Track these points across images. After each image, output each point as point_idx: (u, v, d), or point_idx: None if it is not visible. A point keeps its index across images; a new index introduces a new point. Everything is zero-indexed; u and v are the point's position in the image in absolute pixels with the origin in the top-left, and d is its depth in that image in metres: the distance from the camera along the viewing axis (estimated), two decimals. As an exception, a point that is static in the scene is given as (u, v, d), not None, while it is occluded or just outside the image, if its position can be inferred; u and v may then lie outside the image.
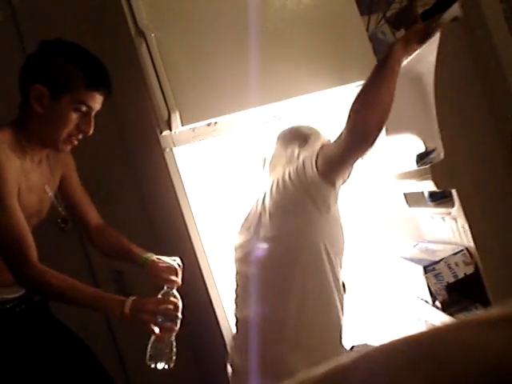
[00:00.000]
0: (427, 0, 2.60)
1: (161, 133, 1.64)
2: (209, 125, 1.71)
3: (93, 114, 1.40)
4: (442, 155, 1.42)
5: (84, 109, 1.38)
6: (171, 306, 1.34)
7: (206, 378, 2.02)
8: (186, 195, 1.65)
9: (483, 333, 0.35)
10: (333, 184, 1.40)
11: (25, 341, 1.39)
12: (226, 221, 1.97)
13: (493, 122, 1.42)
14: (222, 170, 2.03)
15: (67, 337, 1.53)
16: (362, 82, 1.82)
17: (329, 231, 1.44)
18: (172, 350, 1.34)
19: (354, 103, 1.33)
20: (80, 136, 1.42)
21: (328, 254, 1.43)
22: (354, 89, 1.81)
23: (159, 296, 1.38)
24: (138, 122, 1.93)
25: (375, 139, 1.30)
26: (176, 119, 1.59)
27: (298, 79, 1.75)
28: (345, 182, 1.46)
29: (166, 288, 1.40)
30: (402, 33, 2.58)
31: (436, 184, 1.41)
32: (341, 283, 1.49)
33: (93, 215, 1.62)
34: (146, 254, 1.51)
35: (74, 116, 1.37)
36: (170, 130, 1.61)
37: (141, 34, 1.58)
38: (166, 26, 1.63)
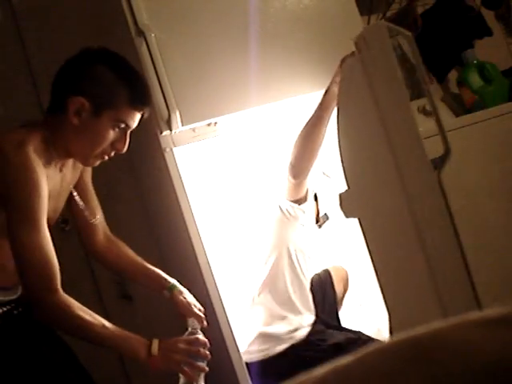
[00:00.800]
0: (427, 0, 2.60)
1: (161, 133, 1.64)
2: (209, 125, 1.71)
3: (129, 131, 1.34)
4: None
5: (123, 126, 1.31)
6: (202, 345, 1.29)
7: None
8: (186, 195, 1.65)
9: (482, 332, 0.35)
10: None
11: (22, 346, 1.32)
12: (226, 221, 1.97)
13: (391, 156, 1.45)
14: (222, 170, 2.03)
15: (58, 342, 1.44)
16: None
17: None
18: None
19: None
20: (112, 153, 1.35)
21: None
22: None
23: (186, 335, 1.32)
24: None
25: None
26: (176, 119, 1.59)
27: (298, 79, 1.75)
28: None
29: (191, 327, 1.35)
30: (402, 33, 2.59)
31: (344, 213, 1.51)
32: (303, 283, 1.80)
33: (101, 226, 1.55)
34: (171, 281, 1.46)
35: (112, 133, 1.31)
36: (170, 130, 1.61)
37: (141, 33, 1.58)
38: (166, 25, 1.63)
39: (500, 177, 2.02)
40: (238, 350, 1.63)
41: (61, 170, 1.37)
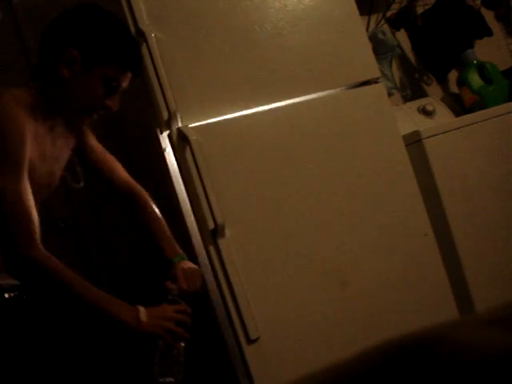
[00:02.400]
0: (427, 0, 2.60)
1: (161, 133, 1.64)
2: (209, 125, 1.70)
3: (119, 90, 1.34)
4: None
5: (113, 84, 1.31)
6: (187, 314, 1.30)
7: None
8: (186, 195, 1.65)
9: (483, 332, 0.35)
10: None
11: (28, 338, 1.30)
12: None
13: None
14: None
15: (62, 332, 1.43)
16: (361, 82, 1.84)
17: None
18: (182, 361, 1.29)
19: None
20: (101, 112, 1.35)
21: None
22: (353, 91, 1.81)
23: (167, 302, 1.32)
24: (138, 122, 1.93)
25: None
26: (176, 119, 1.59)
27: (298, 79, 1.75)
28: None
29: (171, 293, 1.34)
30: (402, 33, 2.59)
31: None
32: None
33: (120, 172, 1.52)
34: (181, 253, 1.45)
35: (101, 89, 1.30)
36: (170, 130, 1.61)
37: (141, 33, 1.58)
38: (166, 25, 1.63)
39: (500, 177, 2.03)
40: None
41: (51, 130, 1.34)
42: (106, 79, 1.30)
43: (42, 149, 1.29)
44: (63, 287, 1.19)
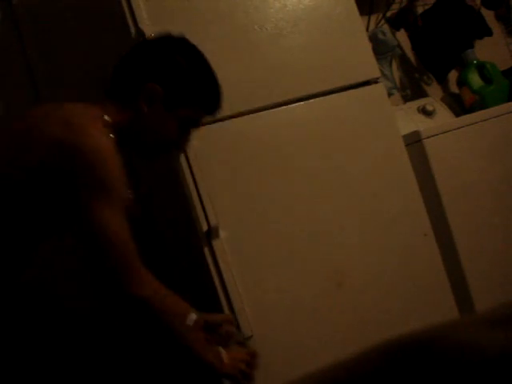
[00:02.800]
0: (427, 0, 2.61)
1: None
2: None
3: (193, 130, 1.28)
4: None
5: (190, 126, 1.26)
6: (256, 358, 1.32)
7: None
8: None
9: (483, 331, 0.35)
10: None
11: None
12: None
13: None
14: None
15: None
16: (361, 82, 1.84)
17: None
18: None
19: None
20: (171, 151, 1.30)
21: None
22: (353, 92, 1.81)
23: (234, 343, 1.35)
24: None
25: None
26: (176, 119, 1.59)
27: (298, 79, 1.75)
28: None
29: (237, 338, 1.37)
30: (402, 33, 2.60)
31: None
32: None
33: None
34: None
35: (177, 129, 1.24)
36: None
37: (141, 33, 1.58)
38: (166, 26, 1.63)
39: (500, 177, 2.03)
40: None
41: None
42: (185, 120, 1.25)
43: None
44: (166, 324, 1.15)
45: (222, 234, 1.59)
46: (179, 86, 1.22)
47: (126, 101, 1.22)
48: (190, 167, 1.58)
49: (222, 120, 1.66)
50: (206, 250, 1.58)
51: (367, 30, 2.39)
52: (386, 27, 2.50)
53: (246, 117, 1.68)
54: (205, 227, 1.56)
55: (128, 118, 1.21)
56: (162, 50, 1.26)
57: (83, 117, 1.13)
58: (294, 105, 1.75)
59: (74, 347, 1.34)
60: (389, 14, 2.56)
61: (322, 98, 1.78)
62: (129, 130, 1.21)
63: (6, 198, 1.09)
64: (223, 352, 1.24)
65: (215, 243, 1.58)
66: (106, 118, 1.18)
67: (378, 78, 1.85)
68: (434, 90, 2.64)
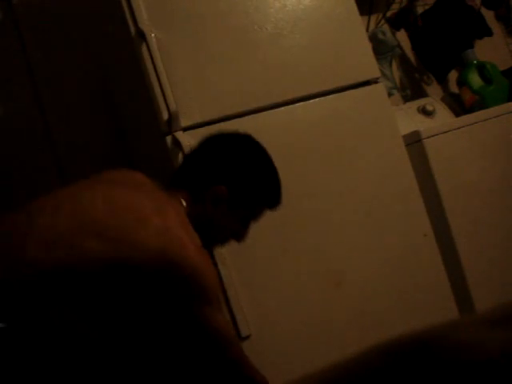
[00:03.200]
0: (427, 0, 2.61)
1: (161, 133, 1.63)
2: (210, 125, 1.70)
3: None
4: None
5: (251, 221, 1.30)
6: None
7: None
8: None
9: (483, 331, 0.35)
10: None
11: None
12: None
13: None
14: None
15: None
16: (361, 82, 1.83)
17: None
18: None
19: None
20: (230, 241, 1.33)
21: None
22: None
23: None
24: (138, 122, 1.93)
25: None
26: (176, 119, 1.59)
27: (298, 79, 1.75)
28: None
29: None
30: (402, 33, 2.60)
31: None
32: None
33: None
34: None
35: (240, 226, 1.29)
36: (170, 130, 1.61)
37: (141, 34, 1.58)
38: (166, 25, 1.63)
39: (500, 177, 2.03)
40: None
41: None
42: (247, 218, 1.29)
43: None
44: None
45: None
46: (244, 188, 1.27)
47: (194, 193, 1.25)
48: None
49: (221, 120, 1.66)
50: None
51: (367, 30, 2.39)
52: (386, 27, 2.50)
53: (245, 117, 1.69)
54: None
55: (195, 210, 1.24)
56: (230, 151, 1.30)
57: (174, 220, 1.12)
58: (293, 105, 1.75)
59: None
60: (389, 13, 2.56)
61: (322, 98, 1.78)
62: (194, 220, 1.22)
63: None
64: None
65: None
66: (184, 204, 1.22)
67: (378, 78, 1.85)
68: (434, 89, 2.64)
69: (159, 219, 1.08)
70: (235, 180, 1.26)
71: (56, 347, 1.02)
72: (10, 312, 1.00)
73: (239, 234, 1.31)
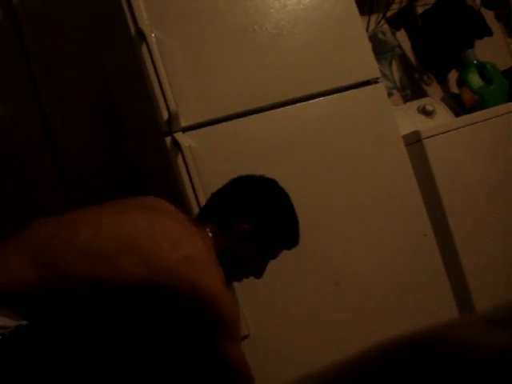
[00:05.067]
0: (427, 0, 2.61)
1: (161, 133, 1.64)
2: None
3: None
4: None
5: (270, 259, 1.38)
6: None
7: None
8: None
9: (483, 332, 0.35)
10: None
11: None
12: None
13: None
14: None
15: None
16: (361, 82, 1.84)
17: None
18: None
19: None
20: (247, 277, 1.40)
21: None
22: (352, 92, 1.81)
23: None
24: (138, 122, 1.93)
25: None
26: (176, 119, 1.59)
27: (298, 79, 1.75)
28: None
29: None
30: (402, 33, 2.60)
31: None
32: None
33: None
34: None
35: (262, 262, 1.37)
36: (170, 130, 1.61)
37: (141, 34, 1.58)
38: (166, 25, 1.63)
39: (500, 177, 2.03)
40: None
41: None
42: (268, 256, 1.37)
43: None
44: None
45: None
46: (268, 229, 1.35)
47: (220, 228, 1.33)
48: (187, 167, 1.58)
49: (221, 120, 1.66)
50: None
51: (367, 30, 2.39)
52: (386, 27, 2.50)
53: (245, 117, 1.69)
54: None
55: (220, 244, 1.31)
56: (256, 192, 1.39)
57: (204, 250, 1.21)
58: (293, 105, 1.75)
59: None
60: (389, 14, 2.56)
61: (322, 98, 1.78)
62: (219, 255, 1.29)
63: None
64: None
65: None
66: (210, 236, 1.30)
67: (378, 78, 1.85)
68: (434, 89, 2.64)
69: (191, 246, 1.18)
70: (260, 220, 1.34)
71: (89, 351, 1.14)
72: (47, 320, 1.10)
73: (258, 271, 1.38)
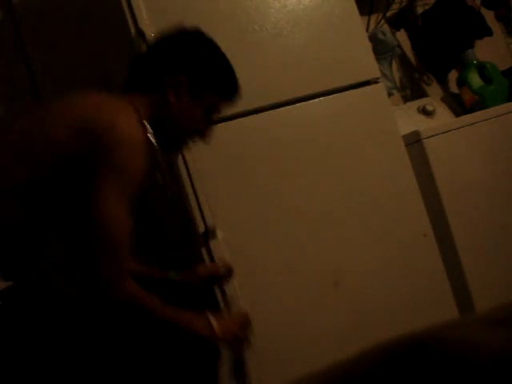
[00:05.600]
0: (427, 0, 2.61)
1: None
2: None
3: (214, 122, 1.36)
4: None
5: (213, 114, 1.34)
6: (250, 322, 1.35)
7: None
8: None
9: (483, 332, 0.35)
10: None
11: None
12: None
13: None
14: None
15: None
16: (361, 82, 1.84)
17: None
18: (247, 366, 1.37)
19: None
20: (196, 140, 1.35)
21: None
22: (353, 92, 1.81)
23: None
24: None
25: None
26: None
27: (298, 79, 1.75)
28: None
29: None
30: (402, 33, 2.59)
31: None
32: None
33: None
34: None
35: (203, 117, 1.32)
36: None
37: (141, 33, 1.58)
38: (166, 26, 1.63)
39: (500, 177, 2.02)
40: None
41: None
42: (209, 108, 1.32)
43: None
44: (148, 314, 1.20)
45: (220, 234, 1.59)
46: (201, 74, 1.30)
47: (152, 93, 1.27)
48: (187, 168, 1.58)
49: (220, 120, 1.66)
50: (204, 251, 1.59)
51: (367, 30, 2.39)
52: (386, 27, 2.50)
53: (245, 117, 1.69)
54: (202, 229, 1.57)
55: (156, 108, 1.26)
56: (182, 43, 1.33)
57: (117, 104, 1.19)
58: (293, 105, 1.75)
59: (74, 345, 1.32)
60: (389, 14, 2.56)
61: (322, 97, 1.78)
62: (158, 119, 1.26)
63: (30, 183, 1.13)
64: (212, 318, 1.24)
65: (212, 244, 1.58)
66: (138, 106, 1.23)
67: (378, 78, 1.85)
68: (434, 89, 2.64)
69: (108, 107, 1.17)
70: (192, 67, 1.29)
71: None
72: None
73: (201, 128, 1.33)
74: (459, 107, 2.46)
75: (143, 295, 1.17)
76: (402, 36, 2.59)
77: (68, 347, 1.24)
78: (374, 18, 2.51)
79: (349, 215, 1.76)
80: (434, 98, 2.49)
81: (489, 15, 2.69)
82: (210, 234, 1.58)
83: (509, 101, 2.30)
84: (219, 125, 1.65)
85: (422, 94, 2.60)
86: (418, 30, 2.52)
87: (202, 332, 1.23)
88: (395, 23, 2.56)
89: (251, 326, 1.35)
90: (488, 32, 2.61)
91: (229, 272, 1.54)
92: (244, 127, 1.69)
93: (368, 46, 1.90)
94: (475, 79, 2.39)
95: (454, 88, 2.60)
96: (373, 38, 2.32)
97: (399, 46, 2.53)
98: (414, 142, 1.93)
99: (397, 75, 2.56)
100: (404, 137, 1.87)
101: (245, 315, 1.37)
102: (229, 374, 1.34)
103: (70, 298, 1.31)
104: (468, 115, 2.18)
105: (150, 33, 1.59)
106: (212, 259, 1.58)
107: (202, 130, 1.34)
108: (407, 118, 2.28)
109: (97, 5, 1.96)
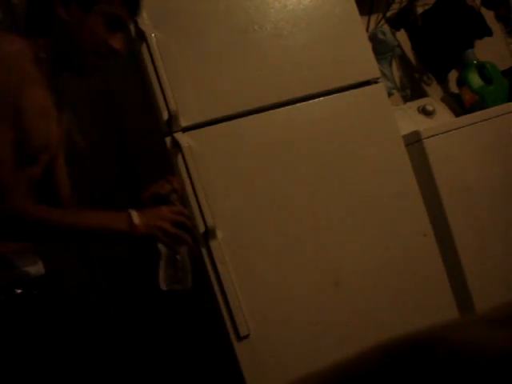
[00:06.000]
0: (427, 0, 2.61)
1: (161, 133, 1.64)
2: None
3: (122, 30, 1.26)
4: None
5: (116, 23, 1.23)
6: (185, 216, 1.24)
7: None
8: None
9: (483, 332, 0.35)
10: None
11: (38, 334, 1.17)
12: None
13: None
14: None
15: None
16: (361, 82, 1.84)
17: None
18: (188, 268, 1.22)
19: None
20: (108, 56, 1.26)
21: None
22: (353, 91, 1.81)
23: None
24: (138, 122, 1.93)
25: None
26: (176, 119, 1.59)
27: (298, 79, 1.75)
28: None
29: (172, 198, 1.29)
30: (402, 33, 2.60)
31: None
32: None
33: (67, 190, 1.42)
34: None
35: (103, 29, 1.21)
36: (170, 130, 1.61)
37: (141, 33, 1.58)
38: (166, 25, 1.63)
39: (500, 177, 2.03)
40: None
41: (48, 88, 1.21)
42: (107, 17, 1.22)
43: (44, 105, 1.17)
44: (54, 229, 1.14)
45: (220, 234, 1.59)
46: None
47: (45, 17, 1.20)
48: (186, 167, 1.58)
49: (221, 120, 1.66)
50: (204, 251, 1.59)
51: (367, 30, 2.39)
52: (386, 27, 2.50)
53: (245, 117, 1.69)
54: (202, 228, 1.57)
55: (53, 36, 1.20)
56: None
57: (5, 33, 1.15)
58: (293, 105, 1.75)
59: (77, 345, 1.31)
60: (389, 14, 2.56)
61: (322, 98, 1.78)
62: (58, 45, 1.20)
63: None
64: (134, 213, 1.17)
65: (212, 244, 1.58)
66: (38, 42, 1.18)
67: (378, 78, 1.85)
68: (434, 90, 2.64)
69: None
70: None
71: None
72: None
73: (107, 42, 1.24)
74: (459, 107, 2.46)
75: (51, 212, 1.14)
76: (402, 36, 2.60)
77: (68, 347, 1.24)
78: (374, 18, 2.51)
79: (349, 215, 1.76)
80: (434, 98, 2.49)
81: (489, 15, 2.69)
82: (209, 233, 1.58)
83: (509, 101, 2.30)
84: (219, 125, 1.66)
85: (422, 94, 2.60)
86: (418, 30, 2.53)
87: (121, 227, 1.16)
88: (395, 23, 2.57)
89: (188, 220, 1.24)
90: (488, 32, 2.61)
91: (175, 190, 1.36)
92: (244, 127, 1.69)
93: (368, 45, 1.90)
94: (475, 79, 2.39)
95: (454, 88, 2.60)
96: (373, 38, 2.32)
97: (399, 46, 2.53)
98: (414, 141, 1.93)
99: (397, 75, 2.56)
100: (404, 137, 1.87)
101: (178, 209, 1.26)
102: (166, 273, 1.22)
103: (77, 297, 1.31)
104: (468, 115, 2.18)
105: (150, 33, 1.59)
106: (212, 259, 1.58)
107: (106, 42, 1.23)
108: (407, 118, 2.28)
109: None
